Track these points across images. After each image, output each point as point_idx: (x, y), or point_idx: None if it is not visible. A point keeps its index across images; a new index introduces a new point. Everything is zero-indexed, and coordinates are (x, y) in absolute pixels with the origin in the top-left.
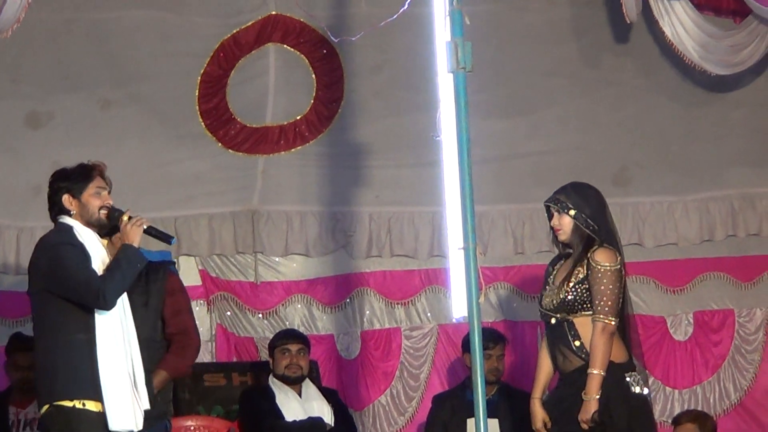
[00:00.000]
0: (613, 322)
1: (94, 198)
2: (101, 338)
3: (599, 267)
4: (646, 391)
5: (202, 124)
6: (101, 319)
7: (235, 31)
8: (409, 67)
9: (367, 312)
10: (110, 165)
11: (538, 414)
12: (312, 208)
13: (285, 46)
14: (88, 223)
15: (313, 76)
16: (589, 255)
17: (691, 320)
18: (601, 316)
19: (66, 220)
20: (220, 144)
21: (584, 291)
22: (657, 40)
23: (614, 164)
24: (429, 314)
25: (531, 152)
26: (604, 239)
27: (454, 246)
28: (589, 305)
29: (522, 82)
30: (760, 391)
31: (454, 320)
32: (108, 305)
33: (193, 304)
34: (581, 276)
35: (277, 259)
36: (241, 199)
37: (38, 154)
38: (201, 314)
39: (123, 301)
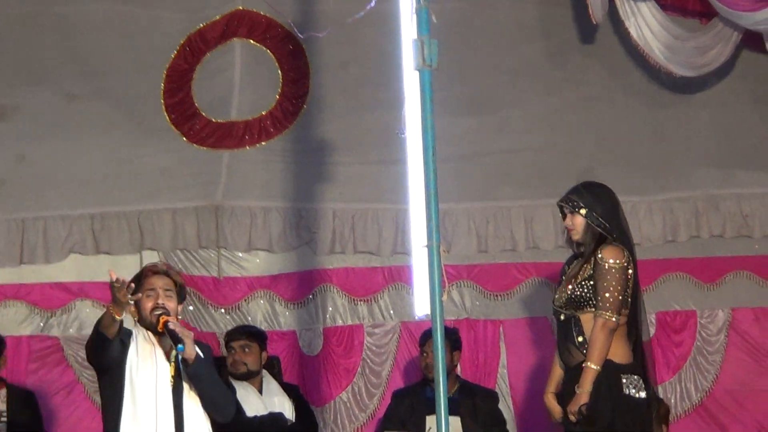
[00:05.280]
0: (613, 319)
1: (147, 300)
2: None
3: (603, 263)
4: (642, 395)
5: (167, 118)
6: (126, 415)
7: (201, 26)
8: (375, 64)
9: (330, 308)
10: (75, 159)
11: (554, 408)
12: (276, 204)
13: (251, 41)
14: (147, 328)
15: (279, 71)
16: (596, 252)
17: (654, 320)
18: (602, 312)
19: (135, 328)
20: (184, 138)
21: (590, 288)
22: (623, 41)
23: (579, 164)
24: (392, 311)
25: (496, 151)
26: (616, 237)
27: (417, 244)
28: (594, 302)
29: (488, 80)
30: (721, 393)
31: (416, 318)
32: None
33: None
34: (588, 273)
35: (240, 255)
36: (205, 194)
37: (3, 147)
38: None
39: (164, 397)
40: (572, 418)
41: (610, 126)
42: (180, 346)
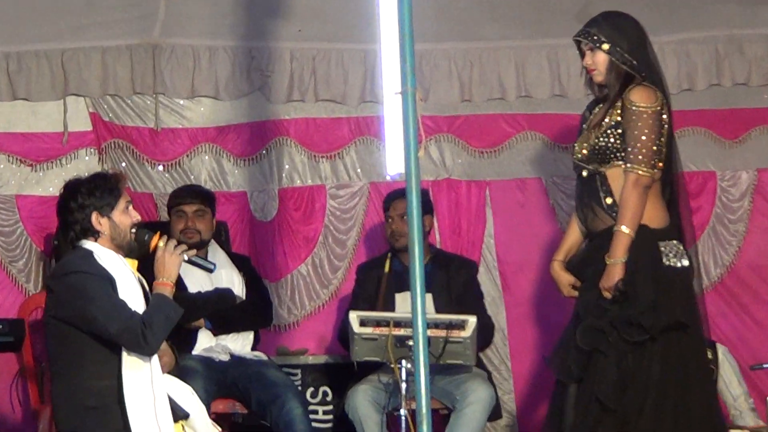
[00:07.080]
0: (647, 174)
1: (125, 216)
2: (129, 384)
3: (633, 108)
4: (684, 263)
5: None
6: (129, 361)
7: None
8: None
9: (287, 166)
10: None
11: (562, 278)
12: (223, 43)
13: None
14: (118, 247)
15: None
16: (623, 95)
17: None
18: (634, 166)
19: (87, 244)
20: None
21: (618, 137)
22: None
23: None
24: (359, 170)
25: None
26: (645, 77)
27: (389, 90)
28: (623, 154)
29: None
30: (743, 268)
31: (388, 178)
32: (152, 350)
33: (82, 153)
34: (615, 119)
35: (181, 102)
36: (141, 30)
37: None
38: (91, 165)
39: None
40: (607, 295)
41: None
42: (214, 267)
